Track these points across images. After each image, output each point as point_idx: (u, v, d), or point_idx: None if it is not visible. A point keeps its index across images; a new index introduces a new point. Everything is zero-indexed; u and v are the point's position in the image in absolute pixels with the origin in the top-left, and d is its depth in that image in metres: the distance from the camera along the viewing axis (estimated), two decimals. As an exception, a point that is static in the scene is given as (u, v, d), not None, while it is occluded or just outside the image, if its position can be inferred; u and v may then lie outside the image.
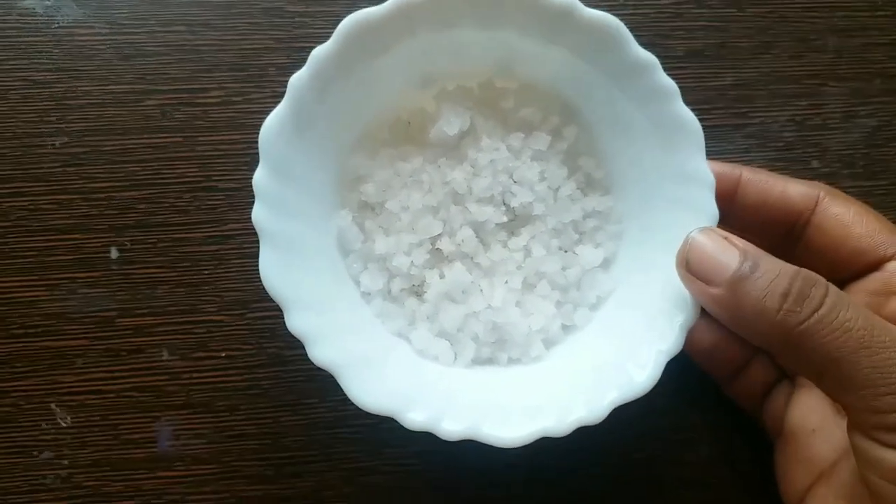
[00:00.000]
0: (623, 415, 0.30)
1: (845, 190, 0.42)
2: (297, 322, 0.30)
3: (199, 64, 0.40)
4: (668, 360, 0.31)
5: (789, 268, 0.28)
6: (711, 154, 0.33)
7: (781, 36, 0.43)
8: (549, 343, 0.35)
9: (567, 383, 0.32)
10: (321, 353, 0.30)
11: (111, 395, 0.38)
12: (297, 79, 0.31)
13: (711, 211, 0.31)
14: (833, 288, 0.28)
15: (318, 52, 0.31)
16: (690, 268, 0.29)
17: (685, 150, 0.32)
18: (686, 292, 0.32)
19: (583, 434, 0.30)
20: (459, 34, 0.33)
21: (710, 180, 0.32)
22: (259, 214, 0.30)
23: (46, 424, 0.37)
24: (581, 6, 0.31)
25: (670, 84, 0.32)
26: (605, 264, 0.36)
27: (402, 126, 0.36)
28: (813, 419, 0.34)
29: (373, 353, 0.32)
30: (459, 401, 0.31)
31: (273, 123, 0.30)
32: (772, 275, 0.27)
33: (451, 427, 0.30)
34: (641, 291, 0.34)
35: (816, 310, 0.27)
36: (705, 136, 0.33)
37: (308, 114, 0.31)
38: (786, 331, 0.27)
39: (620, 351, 0.32)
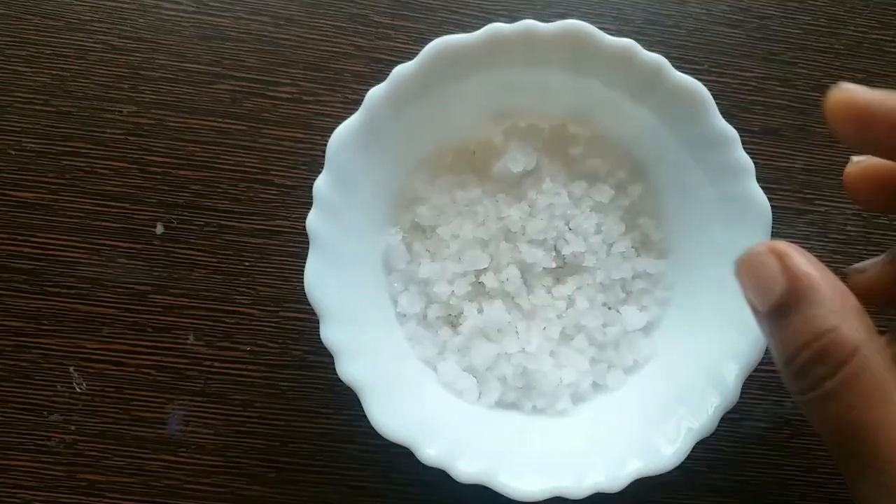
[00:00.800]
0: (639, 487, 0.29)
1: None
2: (332, 334, 0.30)
3: (276, 57, 0.40)
4: (697, 440, 0.30)
5: (812, 327, 0.22)
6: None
7: (861, 129, 0.42)
8: (576, 398, 0.34)
9: (589, 444, 0.32)
10: (350, 369, 0.29)
11: (130, 369, 0.37)
12: (374, 93, 0.31)
13: None
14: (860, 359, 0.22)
15: (400, 70, 0.31)
16: (741, 278, 0.25)
17: (750, 231, 0.31)
18: (724, 374, 0.31)
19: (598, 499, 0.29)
20: (545, 74, 0.32)
21: None
22: (314, 221, 0.30)
23: (61, 387, 0.37)
24: (671, 68, 0.31)
25: (747, 161, 0.31)
26: (648, 329, 0.35)
27: (467, 155, 0.36)
28: None
29: (399, 378, 0.31)
30: (478, 442, 0.31)
31: (344, 133, 0.30)
32: (798, 332, 0.23)
33: (466, 468, 0.29)
34: (680, 364, 0.33)
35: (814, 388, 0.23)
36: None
37: (379, 129, 0.31)
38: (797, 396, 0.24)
39: (649, 421, 0.32)
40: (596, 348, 0.34)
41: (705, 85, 0.32)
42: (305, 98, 0.40)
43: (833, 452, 0.24)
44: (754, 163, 0.32)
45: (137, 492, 0.36)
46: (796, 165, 0.42)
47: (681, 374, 0.33)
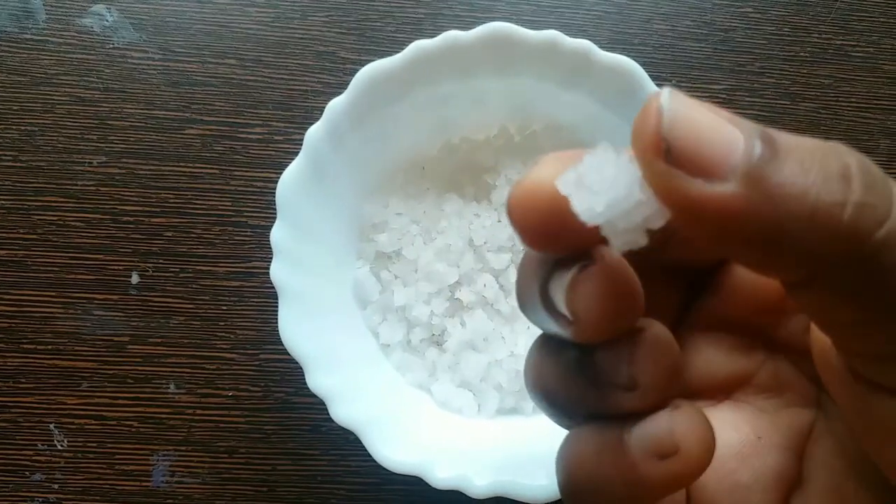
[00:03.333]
0: None
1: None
2: (319, 381, 0.29)
3: (245, 98, 0.40)
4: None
5: (815, 141, 0.15)
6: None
7: (833, 133, 0.43)
8: None
9: None
10: (344, 412, 0.29)
11: (112, 423, 0.37)
12: (313, 132, 0.31)
13: None
14: None
15: (334, 104, 0.31)
16: (676, 155, 0.15)
17: None
18: None
19: None
20: (476, 81, 0.33)
21: None
22: (278, 271, 0.30)
23: (42, 445, 0.36)
24: (597, 50, 0.31)
25: None
26: None
27: (418, 172, 0.36)
28: None
29: (395, 410, 0.31)
30: (486, 455, 0.30)
31: (290, 178, 0.30)
32: (804, 151, 0.14)
33: (480, 483, 0.29)
34: None
35: None
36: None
37: (324, 166, 0.31)
38: (856, 240, 0.14)
39: None
40: None
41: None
42: (276, 138, 0.40)
43: None
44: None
45: (125, 548, 0.36)
46: (771, 174, 0.42)
47: None
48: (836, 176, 0.14)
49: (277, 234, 0.30)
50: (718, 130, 0.15)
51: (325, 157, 0.31)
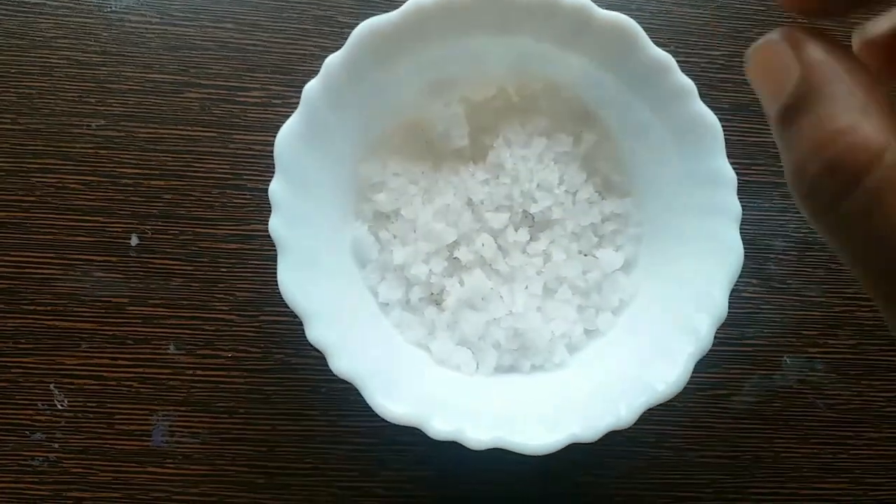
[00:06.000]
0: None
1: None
2: (318, 334, 0.29)
3: (243, 63, 0.40)
4: (696, 361, 0.30)
5: (823, 130, 0.17)
6: (746, 211, 0.32)
7: (830, 100, 0.43)
8: (572, 348, 0.34)
9: (593, 388, 0.32)
10: (343, 364, 0.29)
11: (111, 383, 0.37)
12: (310, 88, 0.31)
13: (734, 210, 0.31)
14: None
15: (331, 60, 0.31)
16: (751, 74, 0.20)
17: (704, 151, 0.32)
18: (711, 292, 0.31)
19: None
20: (474, 41, 0.33)
21: (732, 179, 0.31)
22: (276, 225, 0.30)
23: (42, 405, 0.36)
24: (596, 8, 0.31)
25: (686, 83, 0.32)
26: (627, 268, 0.35)
27: (415, 133, 0.36)
28: None
29: (393, 364, 0.31)
30: (484, 409, 0.31)
31: (288, 133, 0.30)
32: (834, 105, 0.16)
33: (478, 435, 0.29)
34: (665, 294, 0.33)
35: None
36: (744, 191, 0.32)
37: (322, 122, 0.31)
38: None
39: (647, 354, 0.32)
40: (580, 296, 0.35)
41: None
42: (274, 101, 0.40)
43: (861, 274, 0.18)
44: (726, 139, 0.32)
45: (125, 507, 0.36)
46: (768, 140, 0.42)
47: (667, 304, 0.33)
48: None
49: (276, 189, 0.30)
50: (779, 63, 0.18)
51: (323, 114, 0.31)
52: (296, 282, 0.29)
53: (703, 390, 0.39)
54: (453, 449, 0.31)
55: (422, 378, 0.32)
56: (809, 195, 0.17)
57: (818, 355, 0.40)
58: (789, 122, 0.18)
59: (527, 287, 0.34)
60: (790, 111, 0.18)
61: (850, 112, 0.17)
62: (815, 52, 0.18)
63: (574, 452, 0.29)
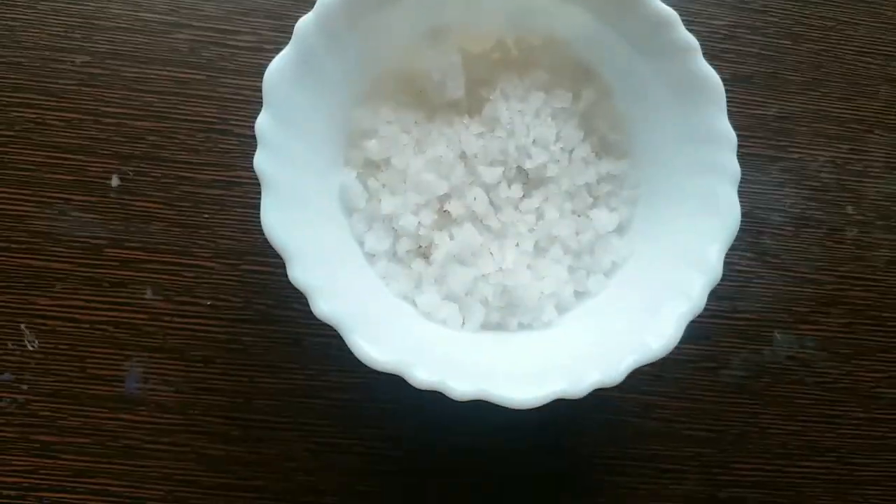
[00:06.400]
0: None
1: (877, 243, 0.40)
2: (301, 274, 0.28)
3: (236, 6, 0.39)
4: (688, 321, 0.29)
5: None
6: (742, 184, 0.31)
7: (833, 76, 0.42)
8: (561, 309, 0.33)
9: (582, 347, 0.31)
10: (325, 307, 0.28)
11: (85, 326, 0.36)
12: (302, 23, 0.29)
13: (734, 171, 0.31)
14: None
15: None
16: None
17: (705, 109, 0.31)
18: (706, 254, 0.30)
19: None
20: None
21: (732, 138, 0.31)
22: (262, 161, 0.28)
23: (12, 345, 0.35)
24: None
25: (690, 39, 0.31)
26: (620, 230, 0.34)
27: (411, 81, 0.35)
28: None
29: (378, 314, 0.30)
30: (469, 362, 0.30)
31: (279, 67, 0.29)
32: None
33: (461, 387, 0.28)
34: (659, 256, 0.33)
35: None
36: (742, 163, 0.31)
37: (314, 60, 0.30)
38: None
39: (637, 316, 0.31)
40: (572, 256, 0.34)
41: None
42: (266, 47, 0.39)
43: None
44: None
45: (94, 452, 0.35)
46: (769, 113, 0.41)
47: (661, 265, 0.32)
48: None
49: (262, 123, 0.29)
50: None
51: (315, 52, 0.30)
52: (280, 220, 0.28)
53: (693, 362, 0.38)
54: (434, 409, 0.30)
55: (406, 330, 0.31)
56: None
57: (809, 332, 0.39)
58: None
59: (517, 244, 0.34)
60: None
61: None
62: None
63: (560, 417, 0.28)
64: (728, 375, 0.38)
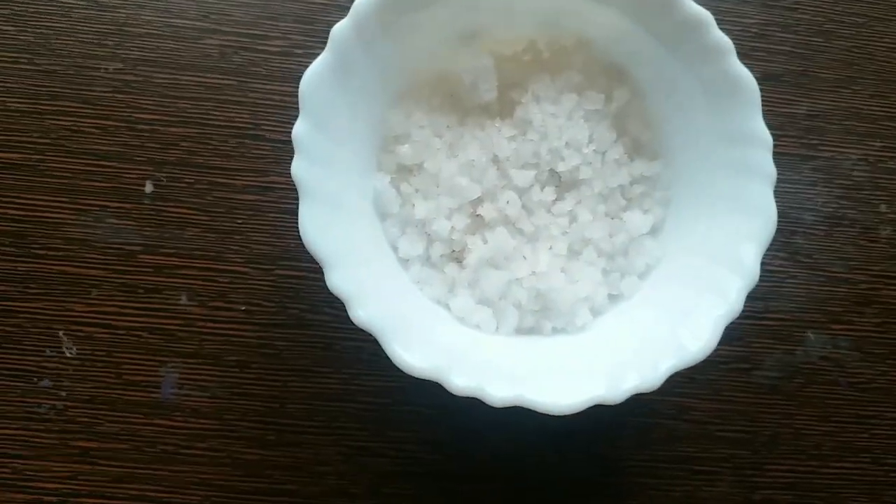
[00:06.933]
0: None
1: (913, 240, 0.40)
2: (339, 281, 0.28)
3: (265, 10, 0.39)
4: (726, 324, 0.29)
5: None
6: (776, 183, 0.31)
7: (866, 73, 0.42)
8: (595, 312, 0.33)
9: (617, 352, 0.31)
10: (363, 313, 0.28)
11: (121, 332, 0.36)
12: (339, 28, 0.30)
13: (769, 172, 0.31)
14: None
15: (362, 2, 0.30)
16: None
17: (741, 110, 0.31)
18: (742, 256, 0.30)
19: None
20: None
21: (768, 140, 0.31)
22: (299, 168, 0.29)
23: (51, 351, 0.36)
24: None
25: (724, 40, 0.31)
26: (654, 231, 0.34)
27: (443, 85, 0.35)
28: None
29: (413, 319, 0.30)
30: (504, 368, 0.30)
31: (315, 73, 0.29)
32: None
33: (498, 392, 0.28)
34: (693, 258, 0.32)
35: None
36: (773, 162, 0.31)
37: (350, 65, 0.30)
38: None
39: (673, 318, 0.31)
40: (606, 258, 0.34)
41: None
42: (296, 51, 0.39)
43: None
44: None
45: (131, 458, 0.35)
46: (800, 111, 0.41)
47: (696, 267, 0.32)
48: None
49: (300, 130, 0.29)
50: None
51: (351, 57, 0.30)
52: (317, 227, 0.28)
53: (726, 363, 0.38)
54: (464, 413, 0.30)
55: (441, 335, 0.31)
56: None
57: (842, 332, 0.39)
58: None
59: (551, 247, 0.33)
60: None
61: None
62: None
63: (591, 422, 0.28)
64: (761, 376, 0.38)
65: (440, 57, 0.34)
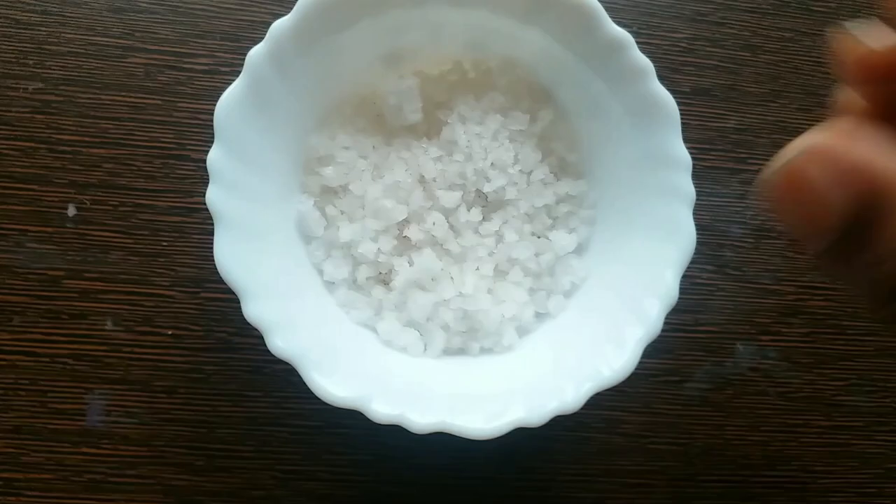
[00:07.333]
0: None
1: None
2: (255, 311, 0.28)
3: (191, 28, 0.38)
4: (645, 345, 0.30)
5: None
6: (703, 197, 0.31)
7: (791, 87, 0.42)
8: (522, 331, 0.34)
9: (541, 372, 0.31)
10: (281, 343, 0.28)
11: (45, 360, 0.35)
12: (254, 53, 0.29)
13: (688, 192, 0.31)
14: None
15: (278, 25, 0.30)
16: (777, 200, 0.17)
17: (660, 132, 0.31)
18: (663, 276, 0.30)
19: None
20: (430, 11, 0.32)
21: (687, 161, 0.31)
22: (215, 196, 0.28)
23: (-29, 380, 0.35)
24: None
25: (644, 62, 0.31)
26: (579, 250, 0.35)
27: (367, 106, 0.35)
28: None
29: (336, 344, 0.30)
30: (429, 392, 0.30)
31: (230, 100, 0.29)
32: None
33: (420, 419, 0.28)
34: (617, 278, 0.33)
35: None
36: (702, 176, 0.31)
37: (267, 90, 0.30)
38: None
39: (596, 338, 0.31)
40: (532, 278, 0.34)
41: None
42: (222, 69, 0.38)
43: None
44: (686, 123, 0.31)
45: (58, 488, 0.35)
46: (728, 125, 0.41)
47: (618, 287, 0.32)
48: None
49: (214, 157, 0.28)
50: None
51: (267, 82, 0.30)
52: (233, 256, 0.28)
53: (656, 376, 0.38)
54: (398, 433, 0.30)
55: (366, 360, 0.31)
56: None
57: (770, 343, 0.40)
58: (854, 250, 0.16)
59: (478, 268, 0.34)
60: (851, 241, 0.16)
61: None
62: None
63: (523, 437, 0.28)
64: (691, 388, 0.39)
65: (364, 78, 0.34)
